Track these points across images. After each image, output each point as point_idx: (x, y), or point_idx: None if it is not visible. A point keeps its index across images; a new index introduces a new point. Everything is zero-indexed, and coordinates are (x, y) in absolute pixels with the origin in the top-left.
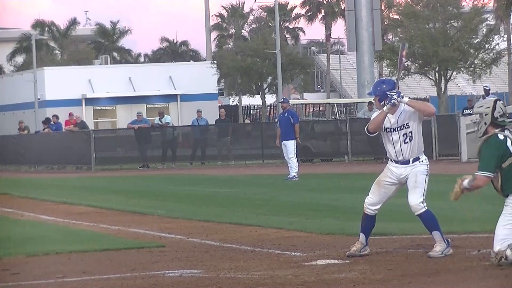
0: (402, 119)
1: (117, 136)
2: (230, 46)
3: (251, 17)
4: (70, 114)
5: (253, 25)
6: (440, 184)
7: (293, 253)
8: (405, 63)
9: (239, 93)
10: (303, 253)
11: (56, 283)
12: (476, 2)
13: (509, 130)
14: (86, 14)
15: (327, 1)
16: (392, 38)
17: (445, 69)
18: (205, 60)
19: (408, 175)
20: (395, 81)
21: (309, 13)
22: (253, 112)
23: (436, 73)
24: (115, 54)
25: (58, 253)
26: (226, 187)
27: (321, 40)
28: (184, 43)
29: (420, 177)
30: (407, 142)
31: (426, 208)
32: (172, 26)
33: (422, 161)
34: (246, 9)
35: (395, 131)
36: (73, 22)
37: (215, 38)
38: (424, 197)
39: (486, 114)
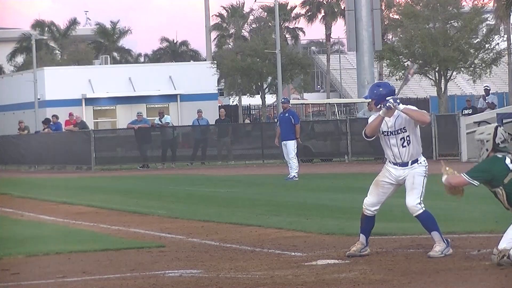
0: (399, 122)
1: (117, 136)
2: (230, 46)
3: (251, 17)
4: (70, 114)
5: (253, 25)
6: (440, 184)
7: (293, 253)
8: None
9: (239, 93)
10: (303, 253)
11: (56, 283)
12: (476, 2)
13: (510, 153)
14: (86, 14)
15: (327, 1)
16: (392, 38)
17: (445, 69)
18: (205, 60)
19: (406, 177)
20: (394, 88)
21: (309, 13)
22: (253, 112)
23: (436, 73)
24: (115, 54)
25: (58, 253)
26: (226, 187)
27: (321, 40)
28: (184, 43)
29: (418, 178)
30: (405, 146)
31: (424, 209)
32: (172, 26)
33: (420, 162)
34: (246, 9)
35: (393, 134)
36: (73, 22)
37: (215, 38)
38: (421, 198)
39: (487, 141)
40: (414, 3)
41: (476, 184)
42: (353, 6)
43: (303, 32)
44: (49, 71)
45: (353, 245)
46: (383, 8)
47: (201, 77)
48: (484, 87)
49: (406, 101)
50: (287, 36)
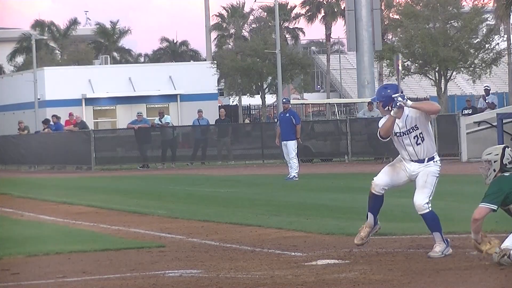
0: (410, 121)
1: (117, 136)
2: (230, 46)
3: (251, 17)
4: (70, 114)
5: (253, 25)
6: (440, 184)
7: (293, 253)
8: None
9: (239, 93)
10: (303, 253)
11: (56, 283)
12: (476, 2)
13: None
14: (86, 14)
15: (327, 1)
16: (392, 38)
17: (445, 69)
18: (205, 60)
19: (419, 174)
20: (397, 85)
21: (309, 13)
22: (253, 112)
23: (436, 73)
24: (115, 54)
25: (58, 253)
26: (226, 187)
27: (321, 40)
28: (184, 43)
29: (431, 178)
30: (420, 144)
31: (431, 209)
32: (172, 26)
33: (436, 161)
34: (246, 9)
35: (405, 134)
36: (73, 22)
37: (215, 38)
38: (430, 198)
39: (495, 161)
40: (414, 3)
41: (495, 208)
42: (353, 6)
43: (303, 32)
44: (49, 71)
45: (361, 230)
46: (383, 8)
47: (201, 77)
48: (484, 87)
49: None
50: (287, 36)
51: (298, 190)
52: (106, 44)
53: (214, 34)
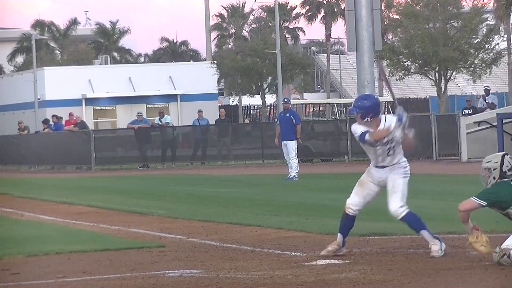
0: (390, 136)
1: (117, 136)
2: (230, 46)
3: (251, 17)
4: (70, 114)
5: (253, 25)
6: (440, 184)
7: (293, 253)
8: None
9: (239, 93)
10: (303, 253)
11: (56, 283)
12: (476, 2)
13: None
14: (86, 14)
15: (327, 1)
16: (392, 38)
17: (445, 69)
18: (205, 60)
19: (387, 179)
20: (379, 100)
21: (309, 13)
22: (253, 112)
23: (436, 73)
24: (115, 54)
25: (58, 253)
26: (226, 187)
27: (321, 40)
28: (184, 43)
29: (397, 181)
30: (390, 154)
31: (407, 210)
32: (172, 26)
33: (400, 162)
34: (246, 9)
35: (380, 145)
36: (73, 22)
37: (215, 38)
38: (404, 200)
39: (494, 169)
40: (414, 3)
41: (484, 204)
42: (353, 6)
43: (303, 32)
44: (49, 71)
45: (330, 245)
46: (383, 8)
47: (201, 77)
48: (484, 87)
49: (406, 101)
50: (287, 36)
51: (298, 190)
52: (106, 44)
53: (214, 34)
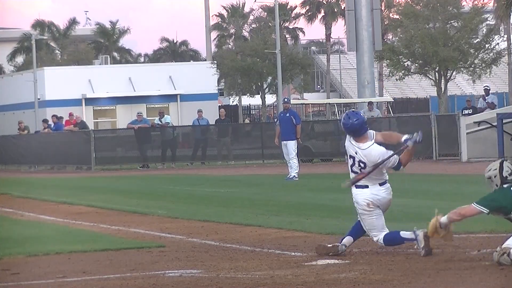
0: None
1: (117, 136)
2: (230, 46)
3: (251, 17)
4: (70, 114)
5: (253, 25)
6: (440, 184)
7: (293, 253)
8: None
9: (239, 93)
10: (303, 253)
11: (56, 283)
12: (476, 2)
13: None
14: (86, 14)
15: (327, 1)
16: (392, 38)
17: (445, 69)
18: (205, 60)
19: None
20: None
21: (309, 13)
22: (253, 112)
23: (436, 73)
24: (115, 54)
25: (58, 253)
26: (226, 187)
27: (321, 40)
28: (184, 43)
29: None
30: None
31: (380, 237)
32: (172, 26)
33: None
34: (246, 9)
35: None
36: (73, 22)
37: (215, 38)
38: (373, 233)
39: (495, 177)
40: (414, 3)
41: (486, 211)
42: (353, 6)
43: (303, 32)
44: (49, 71)
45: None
46: (383, 8)
47: (201, 77)
48: (484, 87)
49: (406, 101)
50: (287, 36)
51: (298, 190)
52: (106, 44)
53: (214, 34)
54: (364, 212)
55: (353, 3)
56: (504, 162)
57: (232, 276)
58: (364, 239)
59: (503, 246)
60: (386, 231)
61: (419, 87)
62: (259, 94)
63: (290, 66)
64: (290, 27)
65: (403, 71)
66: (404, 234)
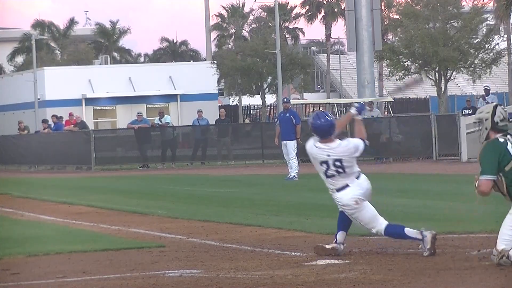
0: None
1: (117, 136)
2: (230, 46)
3: (251, 17)
4: (70, 114)
5: (253, 25)
6: (440, 184)
7: (293, 253)
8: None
9: (239, 93)
10: (303, 253)
11: (56, 283)
12: (476, 2)
13: (510, 135)
14: (86, 14)
15: (327, 1)
16: (392, 38)
17: (445, 69)
18: (205, 60)
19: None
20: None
21: (309, 13)
22: (253, 112)
23: (436, 73)
24: (115, 54)
25: (58, 253)
26: (226, 187)
27: (321, 40)
28: (184, 43)
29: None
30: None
31: (382, 229)
32: (172, 26)
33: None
34: (246, 9)
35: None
36: (72, 22)
37: (215, 38)
38: (370, 225)
39: (486, 119)
40: (414, 3)
41: (493, 178)
42: (353, 6)
43: (303, 32)
44: (49, 71)
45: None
46: (383, 8)
47: (201, 77)
48: (484, 87)
49: (406, 101)
50: (287, 36)
51: (298, 190)
52: (106, 44)
53: (214, 34)
54: (355, 211)
55: (353, 3)
56: (498, 107)
57: (232, 276)
58: (364, 239)
59: (499, 249)
60: (385, 222)
61: (419, 87)
62: (259, 94)
63: (290, 66)
64: (290, 27)
65: (403, 71)
66: (409, 232)
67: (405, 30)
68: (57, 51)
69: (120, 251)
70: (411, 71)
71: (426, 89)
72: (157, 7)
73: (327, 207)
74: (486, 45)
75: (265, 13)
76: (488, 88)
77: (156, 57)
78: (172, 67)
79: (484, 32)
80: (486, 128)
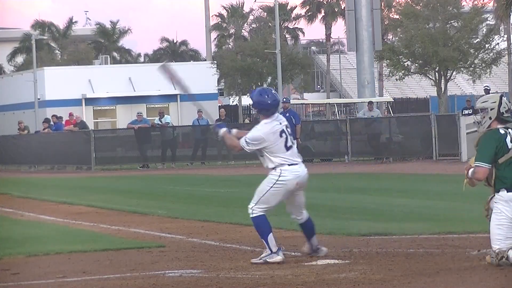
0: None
1: (117, 136)
2: (230, 46)
3: (251, 17)
4: (70, 114)
5: (253, 25)
6: (440, 184)
7: (293, 253)
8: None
9: (239, 93)
10: (303, 253)
11: (56, 283)
12: (476, 2)
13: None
14: (86, 14)
15: (327, 1)
16: (392, 38)
17: (445, 69)
18: (205, 60)
19: None
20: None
21: (309, 13)
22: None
23: (436, 73)
24: (115, 54)
25: (58, 253)
26: (226, 187)
27: (321, 40)
28: (184, 43)
29: (262, 185)
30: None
31: (255, 215)
32: (172, 26)
33: (268, 168)
34: (246, 9)
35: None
36: (71, 22)
37: (215, 38)
38: (256, 204)
39: (492, 109)
40: (414, 3)
41: (488, 166)
42: (353, 6)
43: (303, 32)
44: (49, 71)
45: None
46: (383, 8)
47: (201, 77)
48: (484, 87)
49: (406, 101)
50: (287, 36)
51: None
52: (106, 44)
53: (214, 34)
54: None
55: (353, 3)
56: (503, 97)
57: (232, 276)
58: (364, 239)
59: (496, 250)
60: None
61: (419, 87)
62: None
63: (290, 66)
64: (290, 27)
65: (403, 71)
66: (271, 239)
67: (405, 30)
68: (57, 51)
69: (120, 251)
70: (411, 71)
71: (426, 89)
72: (157, 7)
73: (327, 207)
74: (486, 45)
75: (265, 13)
76: (488, 88)
77: (156, 57)
78: (172, 67)
79: (484, 32)
80: (490, 118)
